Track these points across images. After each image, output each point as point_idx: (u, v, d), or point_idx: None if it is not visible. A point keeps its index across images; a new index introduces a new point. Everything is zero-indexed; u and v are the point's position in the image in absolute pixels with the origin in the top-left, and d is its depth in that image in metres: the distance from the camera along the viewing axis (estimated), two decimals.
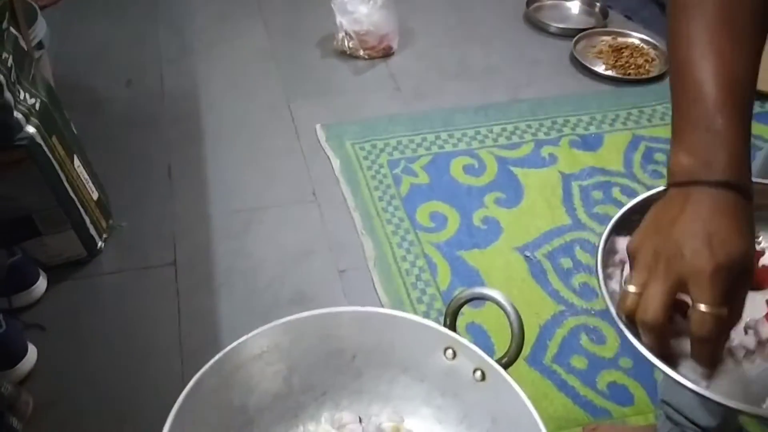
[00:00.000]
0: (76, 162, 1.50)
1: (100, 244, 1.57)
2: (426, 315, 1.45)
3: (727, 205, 0.55)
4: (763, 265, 0.66)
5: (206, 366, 0.65)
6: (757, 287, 0.64)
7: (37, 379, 1.33)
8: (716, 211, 0.54)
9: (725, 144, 0.55)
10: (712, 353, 0.55)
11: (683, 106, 0.58)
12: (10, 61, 1.30)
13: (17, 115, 1.31)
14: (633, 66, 2.19)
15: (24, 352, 1.32)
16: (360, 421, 0.71)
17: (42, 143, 1.36)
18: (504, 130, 1.98)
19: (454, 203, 1.75)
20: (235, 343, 0.68)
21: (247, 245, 1.63)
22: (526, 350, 1.40)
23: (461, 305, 0.70)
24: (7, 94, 1.27)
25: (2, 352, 1.26)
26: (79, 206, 1.48)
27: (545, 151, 1.90)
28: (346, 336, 0.71)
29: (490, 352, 0.65)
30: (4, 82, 1.27)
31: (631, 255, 0.57)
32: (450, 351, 0.69)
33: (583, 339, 1.43)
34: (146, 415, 1.21)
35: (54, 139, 1.41)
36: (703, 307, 0.52)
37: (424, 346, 0.70)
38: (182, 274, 1.55)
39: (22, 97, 1.35)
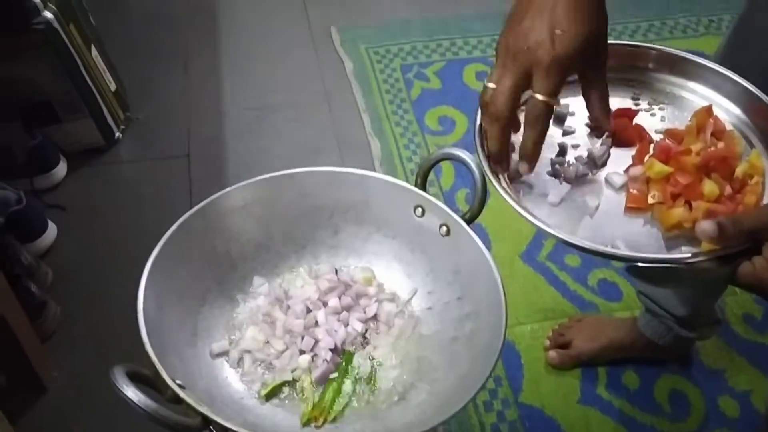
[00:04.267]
0: (94, 51, 1.55)
1: (117, 134, 1.63)
2: None
3: None
4: (637, 124, 0.69)
5: (191, 210, 0.71)
6: (628, 143, 0.67)
7: (57, 253, 1.42)
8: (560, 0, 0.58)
9: None
10: (535, 140, 0.61)
11: None
12: None
13: None
14: None
15: (44, 228, 1.40)
16: (336, 272, 0.76)
17: (59, 28, 1.40)
18: None
19: (464, 108, 1.76)
20: (219, 193, 0.74)
21: (258, 141, 1.68)
22: (522, 247, 1.45)
23: (432, 165, 0.74)
24: None
25: (22, 226, 1.34)
26: (97, 95, 1.54)
27: None
28: (324, 194, 0.76)
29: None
30: None
31: (496, 54, 0.62)
32: (420, 209, 0.73)
33: None
34: None
35: (71, 26, 1.45)
36: (539, 96, 0.58)
37: (396, 205, 0.74)
38: (195, 166, 1.62)
39: None
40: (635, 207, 0.62)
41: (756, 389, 1.23)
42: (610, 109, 0.66)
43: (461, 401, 0.59)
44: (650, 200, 0.62)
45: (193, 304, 0.70)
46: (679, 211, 0.59)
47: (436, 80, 1.84)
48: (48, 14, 1.38)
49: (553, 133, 0.68)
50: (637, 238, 0.61)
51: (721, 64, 0.71)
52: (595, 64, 0.62)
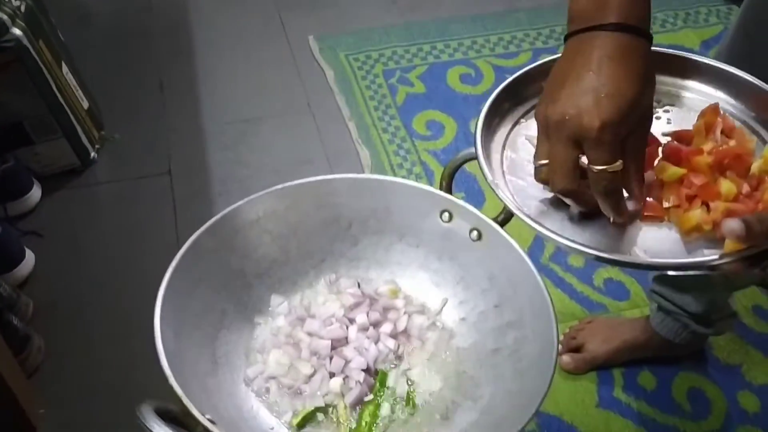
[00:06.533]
0: (65, 69, 1.47)
1: (93, 154, 1.56)
2: None
3: (620, 50, 0.52)
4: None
5: (203, 227, 0.65)
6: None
7: (37, 282, 1.34)
8: (607, 59, 0.52)
9: None
10: (615, 206, 0.56)
11: None
12: None
13: (2, 15, 1.28)
14: None
15: (21, 256, 1.32)
16: (358, 285, 0.71)
17: (29, 46, 1.33)
18: (501, 39, 1.94)
19: (451, 112, 1.73)
20: (230, 208, 0.68)
21: (242, 155, 1.62)
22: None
23: (457, 167, 0.69)
24: None
25: None
26: (70, 114, 1.46)
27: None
28: (342, 203, 0.71)
29: None
30: None
31: (537, 124, 0.57)
32: (446, 214, 0.69)
33: None
34: (145, 310, 1.22)
35: (41, 43, 1.38)
36: (596, 168, 0.53)
37: (419, 211, 0.70)
38: (178, 184, 1.55)
39: None
40: (652, 215, 0.59)
41: None
42: (644, 183, 0.58)
43: (514, 426, 0.54)
44: (665, 204, 0.58)
45: (210, 330, 0.64)
46: (697, 214, 0.56)
47: (420, 84, 1.80)
48: (17, 31, 1.30)
49: None
50: (655, 244, 0.57)
51: (726, 61, 0.69)
52: (640, 132, 0.55)
